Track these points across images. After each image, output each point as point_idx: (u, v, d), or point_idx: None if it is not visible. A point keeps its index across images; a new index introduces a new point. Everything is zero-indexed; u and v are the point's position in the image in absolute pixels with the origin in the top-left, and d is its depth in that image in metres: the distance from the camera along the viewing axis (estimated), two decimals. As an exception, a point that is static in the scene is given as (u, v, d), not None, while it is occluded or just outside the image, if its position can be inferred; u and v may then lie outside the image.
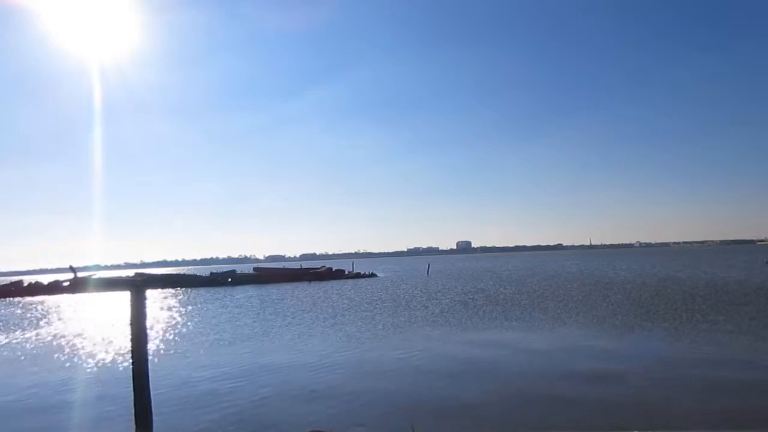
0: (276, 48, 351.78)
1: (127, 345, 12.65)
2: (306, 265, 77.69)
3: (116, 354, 14.90)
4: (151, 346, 13.27)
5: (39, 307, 35.35)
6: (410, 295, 31.65)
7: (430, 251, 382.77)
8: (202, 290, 46.28)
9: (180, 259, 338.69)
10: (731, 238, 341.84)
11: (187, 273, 68.58)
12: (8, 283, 55.13)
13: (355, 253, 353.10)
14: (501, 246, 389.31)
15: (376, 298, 30.50)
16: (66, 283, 51.76)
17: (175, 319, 23.97)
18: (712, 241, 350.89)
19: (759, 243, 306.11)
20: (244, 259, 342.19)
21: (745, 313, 17.84)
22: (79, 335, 19.59)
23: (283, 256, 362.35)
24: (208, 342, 16.78)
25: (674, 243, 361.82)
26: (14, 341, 18.97)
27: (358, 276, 58.95)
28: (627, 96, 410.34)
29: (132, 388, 8.10)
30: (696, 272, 43.09)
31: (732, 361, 11.36)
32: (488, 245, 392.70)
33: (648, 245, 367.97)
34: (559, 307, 22.15)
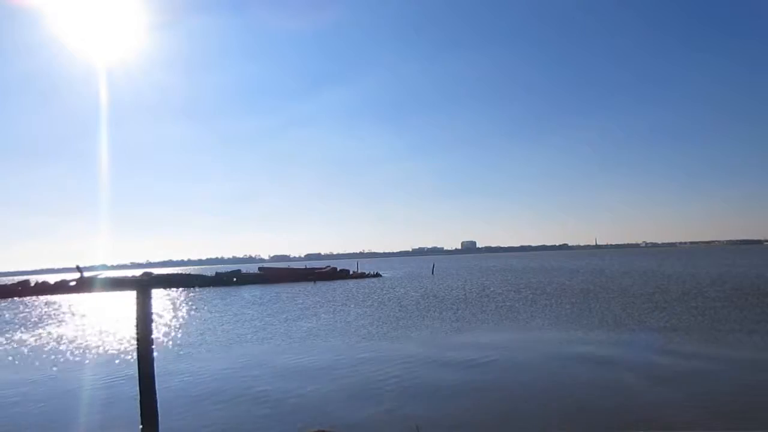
0: (284, 50, 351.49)
1: (133, 344, 12.70)
2: (311, 265, 77.77)
3: (122, 353, 14.98)
4: (157, 346, 13.26)
5: (46, 307, 35.57)
6: (414, 295, 31.64)
7: (435, 251, 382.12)
8: (208, 290, 46.47)
9: (186, 259, 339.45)
10: (738, 238, 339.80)
11: (192, 273, 68.73)
12: (15, 282, 55.50)
13: (360, 253, 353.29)
14: (506, 246, 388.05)
15: (380, 298, 30.50)
16: (73, 283, 52.02)
17: (180, 318, 24.07)
18: (719, 242, 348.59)
19: (766, 243, 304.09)
20: (249, 259, 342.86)
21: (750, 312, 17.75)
22: (85, 335, 19.69)
23: (288, 256, 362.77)
24: (214, 341, 16.83)
25: (680, 243, 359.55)
26: (20, 340, 19.09)
27: (362, 276, 58.99)
28: (633, 96, 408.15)
29: (138, 388, 8.13)
30: (699, 271, 42.90)
31: (734, 360, 11.29)
32: (493, 245, 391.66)
33: (654, 245, 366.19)
34: (558, 306, 22.10)
